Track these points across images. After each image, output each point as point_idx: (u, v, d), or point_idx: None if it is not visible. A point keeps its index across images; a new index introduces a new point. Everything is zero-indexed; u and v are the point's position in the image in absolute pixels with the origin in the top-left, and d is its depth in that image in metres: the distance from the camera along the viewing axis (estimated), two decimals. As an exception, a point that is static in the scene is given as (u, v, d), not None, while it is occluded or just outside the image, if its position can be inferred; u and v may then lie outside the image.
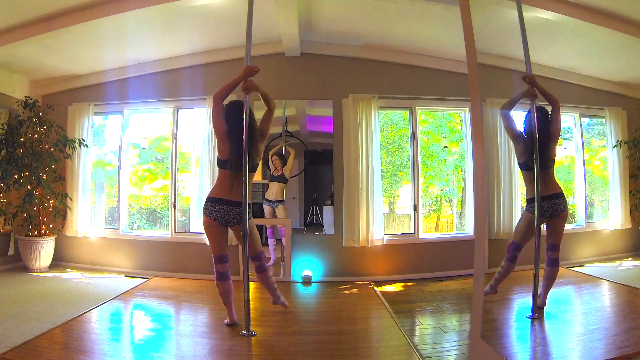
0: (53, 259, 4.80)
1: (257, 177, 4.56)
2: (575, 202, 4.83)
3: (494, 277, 3.14)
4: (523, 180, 3.15)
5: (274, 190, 4.56)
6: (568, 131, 4.89)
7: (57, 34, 3.81)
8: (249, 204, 2.92)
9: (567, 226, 4.88)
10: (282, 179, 4.56)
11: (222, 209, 2.88)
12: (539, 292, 2.99)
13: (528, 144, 2.95)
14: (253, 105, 3.14)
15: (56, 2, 3.55)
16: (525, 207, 3.11)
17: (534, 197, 2.89)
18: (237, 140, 2.88)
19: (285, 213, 4.57)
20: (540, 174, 2.90)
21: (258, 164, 3.05)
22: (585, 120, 5.05)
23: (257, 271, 3.10)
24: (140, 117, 5.27)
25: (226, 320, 3.04)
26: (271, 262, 4.55)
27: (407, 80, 4.79)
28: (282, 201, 4.58)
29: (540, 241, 2.90)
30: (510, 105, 3.06)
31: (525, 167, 2.99)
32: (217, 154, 4.48)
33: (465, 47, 2.29)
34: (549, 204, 2.96)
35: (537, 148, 2.87)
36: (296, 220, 4.71)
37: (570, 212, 4.95)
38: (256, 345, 2.72)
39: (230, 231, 3.07)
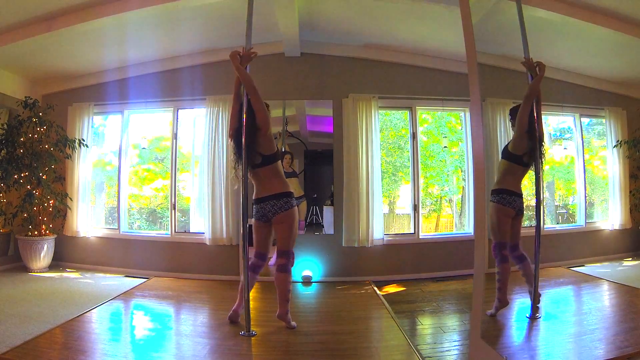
0: (53, 259, 4.80)
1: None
2: (575, 202, 4.82)
3: (497, 288, 2.88)
4: (501, 172, 2.96)
5: (294, 187, 4.51)
6: (568, 131, 4.89)
7: (57, 33, 3.81)
8: (288, 192, 2.90)
9: (567, 226, 4.89)
10: (294, 174, 4.55)
11: (261, 207, 2.90)
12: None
13: (533, 139, 2.88)
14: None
15: (56, 2, 3.55)
16: (494, 199, 2.86)
17: (510, 191, 2.81)
18: (236, 136, 2.91)
19: (304, 209, 4.56)
20: (525, 170, 2.86)
21: (269, 156, 2.88)
22: (585, 120, 5.05)
23: (278, 269, 2.93)
24: (140, 117, 5.28)
25: (230, 313, 3.02)
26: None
27: (407, 80, 4.78)
28: (303, 196, 4.56)
29: (540, 241, 2.89)
30: (539, 85, 2.86)
31: (520, 161, 2.86)
32: (216, 154, 4.53)
33: (465, 47, 2.29)
34: (520, 201, 2.87)
35: (539, 144, 2.83)
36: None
37: (570, 212, 4.95)
38: (256, 345, 2.71)
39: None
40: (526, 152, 2.84)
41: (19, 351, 2.43)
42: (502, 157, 3.00)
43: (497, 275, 2.88)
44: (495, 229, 2.89)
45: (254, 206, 2.95)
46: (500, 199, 2.85)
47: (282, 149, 4.63)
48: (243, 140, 2.83)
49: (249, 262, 3.01)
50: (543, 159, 2.94)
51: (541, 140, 2.92)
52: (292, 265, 2.97)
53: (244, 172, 2.85)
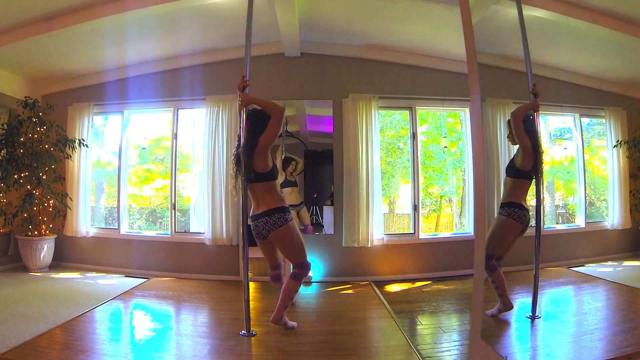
0: (53, 259, 4.80)
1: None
2: (575, 202, 4.82)
3: (498, 294, 2.87)
4: (509, 187, 2.93)
5: (295, 195, 4.51)
6: (568, 131, 4.89)
7: (57, 33, 3.81)
8: (280, 207, 2.85)
9: (567, 226, 4.89)
10: (295, 184, 4.56)
11: (255, 225, 2.88)
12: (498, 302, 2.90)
13: (537, 151, 2.87)
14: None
15: (56, 2, 3.55)
16: (504, 212, 2.84)
17: (519, 204, 2.81)
18: (238, 150, 2.94)
19: (307, 213, 4.58)
20: (530, 184, 2.86)
21: (262, 174, 2.84)
22: (585, 120, 5.05)
23: (291, 276, 2.93)
24: (140, 117, 5.28)
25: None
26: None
27: (407, 80, 4.78)
28: (302, 203, 4.57)
29: (540, 241, 2.89)
30: (523, 113, 2.89)
31: (528, 176, 2.86)
32: (216, 154, 4.54)
33: (465, 47, 2.29)
34: (529, 217, 2.86)
35: (540, 156, 2.83)
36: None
37: (570, 212, 4.95)
38: (256, 345, 2.72)
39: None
40: (531, 167, 2.84)
41: (19, 351, 2.43)
42: (508, 175, 2.94)
43: (493, 284, 2.87)
44: (495, 241, 2.82)
45: (251, 224, 2.93)
46: (512, 212, 2.81)
47: (282, 153, 4.62)
48: (243, 149, 2.84)
49: (271, 276, 3.19)
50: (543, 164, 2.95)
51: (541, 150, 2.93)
52: (307, 275, 2.98)
53: (243, 183, 2.86)
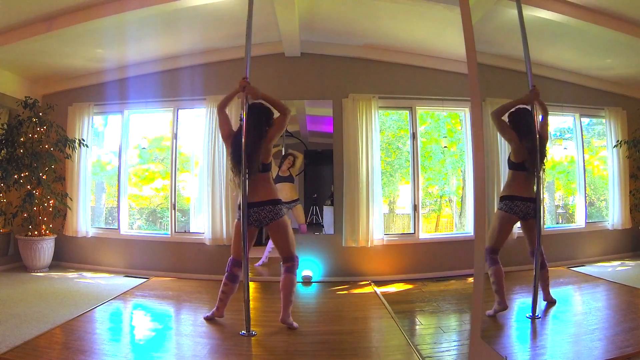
0: (53, 259, 4.80)
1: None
2: (575, 202, 4.82)
3: (495, 291, 2.89)
4: (507, 180, 3.05)
5: (285, 191, 4.49)
6: (568, 131, 4.89)
7: (57, 33, 3.81)
8: (280, 200, 2.95)
9: (568, 226, 4.89)
10: (290, 179, 4.55)
11: (254, 212, 2.91)
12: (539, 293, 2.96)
13: (528, 145, 2.91)
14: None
15: (56, 2, 3.55)
16: (499, 206, 2.95)
17: (513, 196, 2.89)
18: (235, 143, 2.93)
19: (302, 212, 4.57)
20: (529, 176, 2.88)
21: (267, 165, 2.94)
22: (585, 120, 5.05)
23: (286, 271, 3.00)
24: (140, 117, 5.28)
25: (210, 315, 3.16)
26: (260, 263, 4.56)
27: (407, 80, 4.78)
28: (297, 200, 4.56)
29: (540, 240, 2.90)
30: (504, 110, 3.00)
31: (522, 167, 2.92)
32: (216, 154, 4.53)
33: (465, 47, 2.29)
34: (529, 206, 2.90)
35: (538, 149, 2.85)
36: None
37: (570, 212, 4.95)
38: (256, 345, 2.72)
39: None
40: (527, 159, 2.89)
41: (19, 351, 2.43)
42: (508, 168, 3.06)
43: (491, 278, 2.89)
44: (492, 234, 2.93)
45: (248, 210, 2.92)
46: (503, 205, 2.91)
47: (282, 151, 4.63)
48: (243, 147, 2.83)
49: (228, 273, 3.08)
50: (545, 160, 2.98)
51: (543, 143, 2.95)
52: (297, 268, 3.03)
53: (242, 178, 2.85)
